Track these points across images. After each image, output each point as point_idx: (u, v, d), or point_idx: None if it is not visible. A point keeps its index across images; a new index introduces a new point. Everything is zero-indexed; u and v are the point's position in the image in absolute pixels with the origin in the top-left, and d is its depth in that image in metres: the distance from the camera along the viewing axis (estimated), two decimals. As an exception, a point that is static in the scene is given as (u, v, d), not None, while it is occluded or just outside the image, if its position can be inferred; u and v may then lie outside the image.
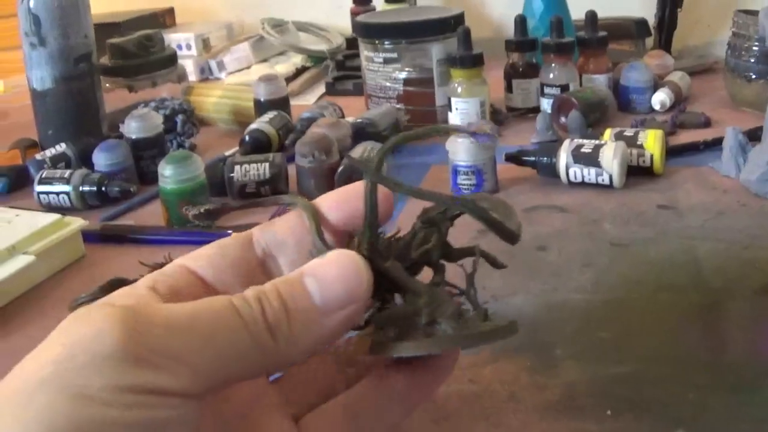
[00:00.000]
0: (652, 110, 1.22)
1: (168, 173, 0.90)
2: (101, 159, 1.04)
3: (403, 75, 1.21)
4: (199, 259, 0.40)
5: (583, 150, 0.93)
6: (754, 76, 1.16)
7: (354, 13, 1.70)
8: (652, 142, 0.95)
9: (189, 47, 1.72)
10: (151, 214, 0.97)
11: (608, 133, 0.99)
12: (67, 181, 1.00)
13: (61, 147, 1.10)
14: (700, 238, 0.78)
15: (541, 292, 0.70)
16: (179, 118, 1.18)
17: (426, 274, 0.40)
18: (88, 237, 0.89)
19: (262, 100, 1.25)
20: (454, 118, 1.16)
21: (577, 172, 0.93)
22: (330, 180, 0.96)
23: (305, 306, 0.34)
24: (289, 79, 1.57)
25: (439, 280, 0.39)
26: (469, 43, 1.16)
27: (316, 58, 1.70)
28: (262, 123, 1.15)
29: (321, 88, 1.56)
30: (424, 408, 0.54)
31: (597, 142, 0.94)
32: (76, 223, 0.85)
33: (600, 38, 1.25)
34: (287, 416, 0.40)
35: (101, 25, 1.35)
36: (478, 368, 0.59)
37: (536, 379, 0.58)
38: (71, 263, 0.85)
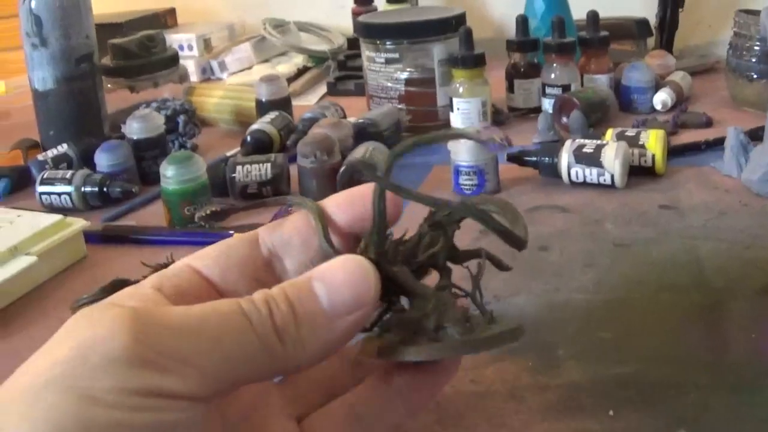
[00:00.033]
0: (653, 110, 1.22)
1: (170, 174, 0.90)
2: (103, 159, 1.04)
3: (404, 75, 1.21)
4: (204, 259, 0.40)
5: (584, 150, 0.93)
6: (755, 76, 1.16)
7: (355, 13, 1.70)
8: (653, 142, 0.95)
9: (190, 48, 1.72)
10: (153, 215, 0.97)
11: (610, 133, 0.99)
12: (69, 182, 1.00)
13: (63, 147, 1.10)
14: (702, 238, 0.78)
15: (543, 293, 0.70)
16: (181, 119, 1.19)
17: (431, 277, 0.40)
18: (90, 238, 0.89)
19: (263, 100, 1.25)
20: (456, 119, 1.16)
21: (579, 172, 0.93)
22: (332, 180, 0.96)
23: (313, 310, 0.35)
24: (291, 79, 1.57)
25: (446, 283, 0.39)
26: (470, 44, 1.16)
27: (318, 58, 1.70)
28: (263, 123, 1.15)
29: (322, 89, 1.56)
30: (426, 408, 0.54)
31: (599, 142, 0.94)
32: (78, 223, 0.85)
33: (601, 38, 1.25)
34: (290, 417, 0.40)
35: (103, 25, 1.35)
36: (480, 369, 0.59)
37: (538, 379, 0.58)
38: (73, 264, 0.85)
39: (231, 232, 0.82)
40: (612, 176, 0.91)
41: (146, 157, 1.08)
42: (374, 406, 0.39)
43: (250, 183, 0.97)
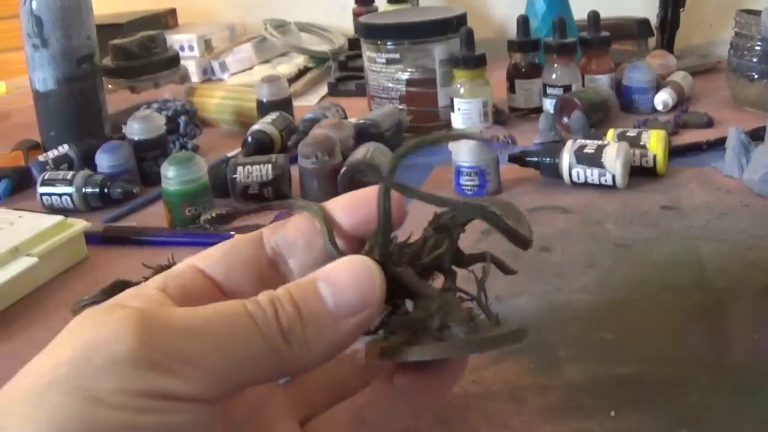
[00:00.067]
0: (654, 110, 1.22)
1: (171, 174, 0.90)
2: (104, 160, 1.04)
3: (405, 76, 1.21)
4: (208, 259, 0.40)
5: (585, 150, 0.93)
6: (756, 76, 1.16)
7: (356, 14, 1.70)
8: (655, 142, 0.95)
9: (191, 48, 1.72)
10: (154, 216, 0.97)
11: (611, 134, 0.99)
12: (70, 183, 1.00)
13: (64, 148, 1.10)
14: (703, 239, 0.78)
15: (545, 293, 0.70)
16: (182, 120, 1.19)
17: (435, 280, 0.40)
18: (91, 239, 0.89)
19: (264, 101, 1.25)
20: (457, 119, 1.16)
21: (580, 173, 0.93)
22: (333, 181, 0.96)
23: (319, 311, 0.35)
24: (292, 79, 1.57)
25: (451, 285, 0.39)
26: (471, 44, 1.16)
27: (319, 58, 1.70)
28: (264, 124, 1.15)
29: (323, 89, 1.56)
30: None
31: (600, 142, 0.94)
32: (79, 224, 0.85)
33: (602, 38, 1.25)
34: (294, 420, 0.40)
35: (103, 26, 1.35)
36: (481, 370, 0.59)
37: (539, 380, 0.58)
38: (74, 265, 0.85)
39: (232, 233, 0.82)
40: (613, 177, 0.91)
41: (147, 157, 1.08)
42: (379, 410, 0.39)
43: (251, 184, 0.97)
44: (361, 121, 1.11)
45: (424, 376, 0.39)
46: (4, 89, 1.75)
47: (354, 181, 0.95)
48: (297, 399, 0.41)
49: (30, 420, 0.29)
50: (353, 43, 1.65)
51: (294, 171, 1.00)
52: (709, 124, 1.14)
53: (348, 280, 0.35)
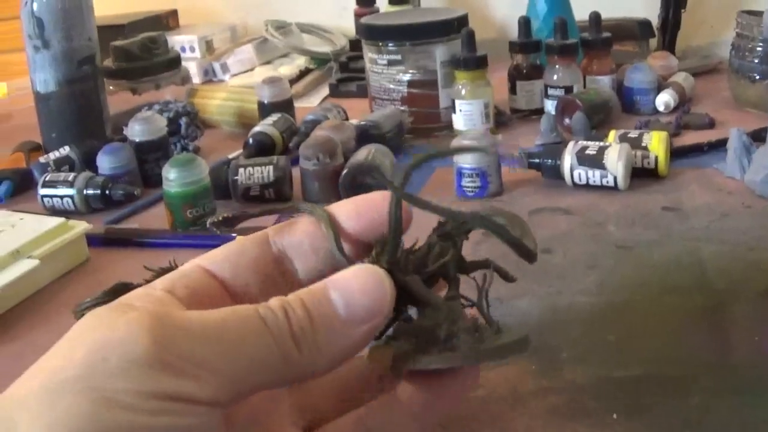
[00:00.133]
0: (656, 111, 1.22)
1: (172, 176, 0.90)
2: (105, 162, 1.04)
3: (406, 77, 1.20)
4: (215, 259, 0.40)
5: (587, 152, 0.93)
6: (758, 77, 1.16)
7: (357, 15, 1.70)
8: (656, 143, 0.94)
9: (192, 49, 1.72)
10: (155, 218, 0.97)
11: (612, 135, 0.99)
12: (71, 185, 1.00)
13: (65, 150, 1.10)
14: (705, 240, 0.78)
15: (546, 295, 0.70)
16: (183, 121, 1.18)
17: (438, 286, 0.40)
18: (92, 241, 0.89)
19: (265, 102, 1.25)
20: (458, 120, 1.16)
21: (582, 174, 0.93)
22: (334, 183, 0.96)
23: (330, 317, 0.35)
24: (293, 81, 1.57)
25: (455, 293, 0.39)
26: (473, 45, 1.16)
27: (320, 59, 1.70)
28: (266, 125, 1.15)
29: (325, 90, 1.56)
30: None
31: (601, 143, 0.94)
32: (80, 226, 0.85)
33: (604, 39, 1.25)
34: (298, 426, 0.40)
35: (104, 27, 1.35)
36: (483, 372, 0.58)
37: (541, 382, 0.58)
38: (75, 267, 0.85)
39: (233, 235, 0.82)
40: (615, 178, 0.91)
41: (148, 159, 1.08)
42: (385, 422, 0.39)
43: (253, 185, 0.97)
44: (362, 123, 1.11)
45: (433, 388, 0.39)
46: (5, 90, 1.75)
47: (355, 183, 0.95)
48: (303, 405, 0.41)
49: (41, 420, 0.29)
50: (354, 44, 1.64)
51: (295, 172, 1.00)
52: (711, 125, 1.14)
53: (359, 288, 0.35)
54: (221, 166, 1.01)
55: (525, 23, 1.27)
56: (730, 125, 1.07)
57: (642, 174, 0.94)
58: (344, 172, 0.95)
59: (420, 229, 0.41)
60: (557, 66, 1.21)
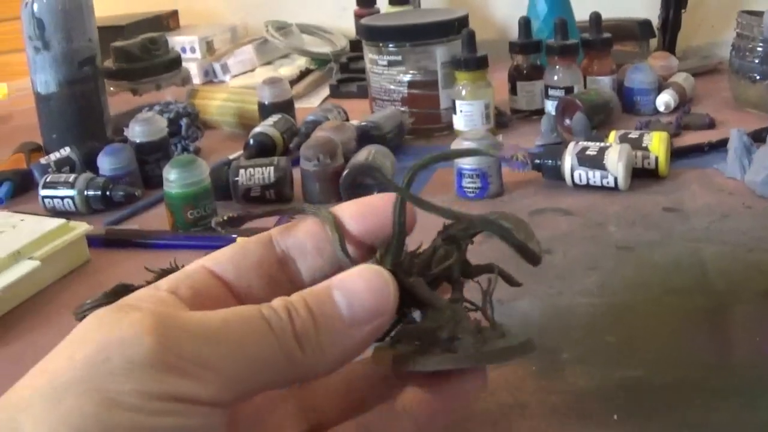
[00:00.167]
0: (656, 112, 1.22)
1: (173, 177, 0.90)
2: (106, 163, 1.04)
3: (407, 78, 1.21)
4: (219, 260, 0.40)
5: (587, 152, 0.93)
6: (758, 77, 1.16)
7: (358, 16, 1.70)
8: (657, 144, 0.94)
9: (193, 50, 1.72)
10: (156, 219, 0.97)
11: (613, 135, 0.99)
12: (72, 186, 1.00)
13: (66, 151, 1.10)
14: (705, 241, 0.78)
15: (547, 296, 0.70)
16: (183, 122, 1.18)
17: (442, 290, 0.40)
18: (93, 242, 0.89)
19: (266, 103, 1.25)
20: (459, 121, 1.16)
21: (582, 175, 0.93)
22: (335, 184, 0.96)
23: (333, 318, 0.35)
24: (293, 81, 1.57)
25: (459, 296, 0.39)
26: (473, 46, 1.16)
27: (320, 60, 1.70)
28: (266, 126, 1.15)
29: (325, 91, 1.56)
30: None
31: (602, 144, 0.94)
32: (81, 227, 0.85)
33: (604, 40, 1.25)
34: (300, 429, 0.40)
35: (105, 28, 1.35)
36: (483, 373, 0.58)
37: (542, 384, 0.58)
38: (76, 268, 0.85)
39: (234, 236, 0.82)
40: (615, 179, 0.91)
41: (149, 160, 1.08)
42: (387, 427, 0.39)
43: (253, 186, 0.97)
44: (363, 124, 1.11)
45: (434, 396, 0.39)
46: (5, 91, 1.75)
47: (356, 184, 0.95)
48: (306, 408, 0.41)
49: (44, 421, 0.29)
50: (355, 45, 1.65)
51: (296, 173, 1.00)
52: (711, 125, 1.14)
53: (362, 288, 0.35)
54: (222, 167, 1.01)
55: (525, 24, 1.27)
56: (730, 125, 1.07)
57: (642, 174, 0.94)
58: (345, 172, 0.95)
59: (424, 232, 0.41)
60: (558, 66, 1.21)
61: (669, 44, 1.51)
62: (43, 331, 0.73)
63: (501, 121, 1.22)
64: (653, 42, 1.53)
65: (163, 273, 0.61)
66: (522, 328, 0.50)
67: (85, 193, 0.99)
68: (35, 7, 1.12)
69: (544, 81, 1.23)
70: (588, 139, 1.00)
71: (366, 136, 1.08)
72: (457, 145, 0.94)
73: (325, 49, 1.73)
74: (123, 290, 0.62)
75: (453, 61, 1.18)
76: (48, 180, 1.01)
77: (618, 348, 0.62)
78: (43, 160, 1.10)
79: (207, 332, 0.32)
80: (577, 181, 0.93)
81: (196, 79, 1.65)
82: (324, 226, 0.41)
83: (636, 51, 1.50)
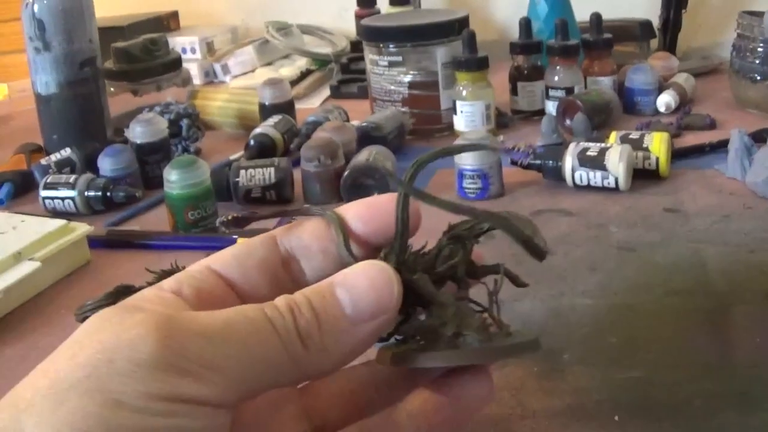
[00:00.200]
0: (657, 112, 1.22)
1: (173, 178, 0.90)
2: (106, 164, 1.04)
3: (407, 78, 1.21)
4: (223, 261, 0.40)
5: (588, 153, 0.93)
6: (759, 78, 1.16)
7: (358, 16, 1.71)
8: (657, 144, 0.94)
9: (193, 51, 1.72)
10: (157, 219, 0.97)
11: (614, 136, 0.99)
12: (73, 186, 1.00)
13: (66, 152, 1.10)
14: (707, 242, 0.78)
15: (548, 297, 0.70)
16: (184, 123, 1.18)
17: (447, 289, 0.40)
18: (94, 243, 0.88)
19: (267, 103, 1.25)
20: (459, 122, 1.16)
21: (583, 176, 0.93)
22: (335, 184, 0.96)
23: (336, 316, 0.35)
24: (294, 82, 1.57)
25: (464, 295, 0.39)
26: (473, 46, 1.16)
27: (321, 61, 1.70)
28: (267, 127, 1.15)
29: (325, 92, 1.56)
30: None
31: (602, 145, 0.94)
32: (82, 228, 0.85)
33: (605, 40, 1.25)
34: (302, 429, 0.40)
35: (105, 29, 1.35)
36: (484, 374, 0.58)
37: (544, 384, 0.58)
38: (77, 269, 0.85)
39: (235, 237, 0.82)
40: (616, 179, 0.91)
41: (150, 161, 1.08)
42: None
43: (254, 187, 0.97)
44: (363, 124, 1.11)
45: (438, 404, 0.38)
46: (6, 92, 1.75)
47: (357, 185, 0.95)
48: (309, 410, 0.41)
49: (48, 421, 0.29)
50: (355, 46, 1.65)
51: (297, 174, 1.00)
52: (712, 126, 1.14)
53: (366, 284, 0.35)
54: (222, 167, 1.01)
55: (526, 24, 1.27)
56: (731, 126, 1.07)
57: (643, 175, 0.94)
58: (345, 173, 0.95)
59: (429, 233, 0.41)
60: (558, 67, 1.21)
61: (669, 45, 1.51)
62: (44, 332, 0.73)
63: (502, 121, 1.22)
64: (654, 42, 1.54)
65: (164, 274, 0.61)
66: (530, 330, 0.49)
67: (86, 194, 0.99)
68: (36, 8, 1.12)
69: (544, 81, 1.23)
70: (589, 140, 1.00)
71: (366, 136, 1.08)
72: (461, 142, 0.94)
73: (325, 49, 1.73)
74: (124, 291, 0.62)
75: (454, 61, 1.18)
76: (49, 181, 1.01)
77: (619, 349, 0.62)
78: (43, 161, 1.10)
79: (211, 333, 0.32)
80: (577, 181, 0.93)
81: (197, 80, 1.65)
82: (329, 226, 0.41)
83: (636, 51, 1.50)
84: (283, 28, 1.75)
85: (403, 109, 1.21)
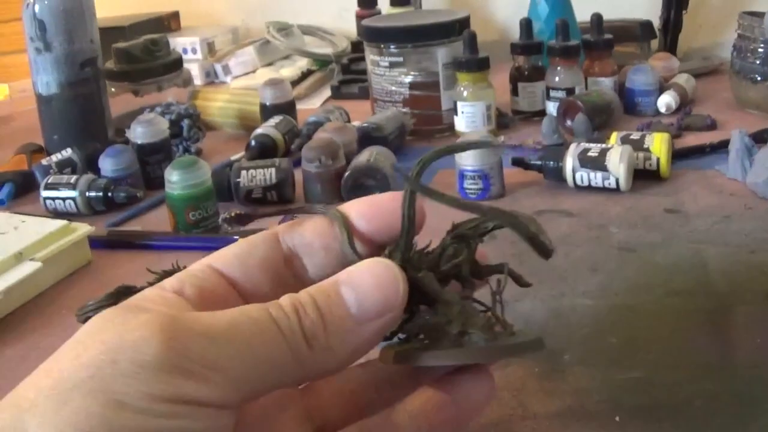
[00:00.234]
0: (657, 113, 1.22)
1: (174, 179, 0.90)
2: (107, 164, 1.04)
3: (408, 79, 1.21)
4: (225, 259, 0.40)
5: (589, 154, 0.93)
6: (759, 78, 1.16)
7: (359, 17, 1.71)
8: (658, 145, 0.95)
9: (194, 51, 1.72)
10: (158, 220, 0.97)
11: (614, 137, 0.99)
12: (74, 187, 1.00)
13: (67, 152, 1.10)
14: (707, 242, 0.78)
15: (549, 298, 0.70)
16: (185, 123, 1.19)
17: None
18: (95, 243, 0.89)
19: (267, 104, 1.25)
20: (460, 122, 1.16)
21: (584, 176, 0.93)
22: (336, 185, 0.96)
23: (341, 315, 0.34)
24: (295, 82, 1.57)
25: (469, 294, 0.39)
26: (474, 47, 1.16)
27: (322, 61, 1.70)
28: (268, 127, 1.15)
29: (326, 92, 1.56)
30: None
31: (603, 145, 0.94)
32: (83, 229, 0.85)
33: (605, 41, 1.25)
34: (305, 429, 0.40)
35: (106, 29, 1.35)
36: (485, 374, 0.58)
37: (544, 385, 0.58)
38: (78, 269, 0.85)
39: (235, 237, 0.82)
40: (617, 180, 0.91)
41: (151, 161, 1.08)
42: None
43: (255, 188, 0.97)
44: (364, 125, 1.11)
45: (440, 404, 0.38)
46: (6, 93, 1.76)
47: (357, 185, 0.95)
48: (312, 409, 0.40)
49: (50, 421, 0.29)
50: (356, 46, 1.65)
51: (297, 175, 1.00)
52: (712, 126, 1.14)
53: (371, 282, 0.35)
54: (223, 168, 1.02)
55: (526, 25, 1.27)
56: (731, 126, 1.07)
57: (644, 176, 0.94)
58: (346, 174, 0.96)
59: (434, 233, 0.41)
60: (559, 68, 1.21)
61: (670, 45, 1.51)
62: (45, 332, 0.73)
63: (502, 122, 1.22)
64: (654, 43, 1.53)
65: (165, 274, 0.61)
66: (532, 330, 0.49)
67: (87, 194, 0.99)
68: (37, 8, 1.12)
69: (545, 82, 1.23)
70: (589, 141, 1.00)
71: (367, 137, 1.08)
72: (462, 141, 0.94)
73: (326, 50, 1.73)
74: (125, 291, 0.62)
75: (454, 62, 1.18)
76: (49, 181, 1.01)
77: (620, 349, 0.62)
78: (44, 162, 1.10)
79: (215, 333, 0.32)
80: (578, 182, 0.93)
81: (198, 81, 1.65)
82: (332, 224, 0.40)
83: (637, 52, 1.50)
84: (284, 29, 1.75)
85: (404, 110, 1.21)
